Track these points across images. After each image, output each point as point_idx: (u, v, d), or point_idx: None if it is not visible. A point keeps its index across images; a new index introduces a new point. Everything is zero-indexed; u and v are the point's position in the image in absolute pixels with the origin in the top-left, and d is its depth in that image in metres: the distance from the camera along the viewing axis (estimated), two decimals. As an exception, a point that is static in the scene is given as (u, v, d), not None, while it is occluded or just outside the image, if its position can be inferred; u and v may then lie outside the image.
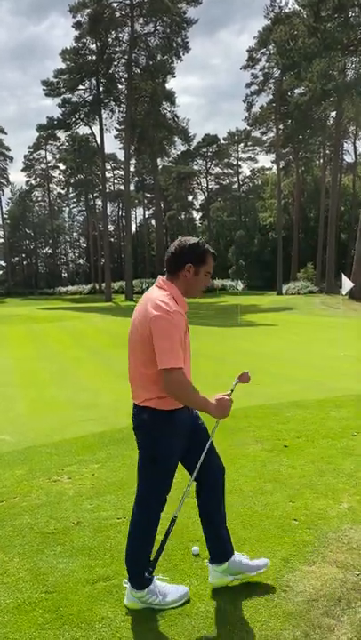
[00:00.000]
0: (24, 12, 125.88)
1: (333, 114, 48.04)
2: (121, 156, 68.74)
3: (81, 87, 52.71)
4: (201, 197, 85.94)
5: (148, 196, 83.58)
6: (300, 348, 14.64)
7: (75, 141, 60.54)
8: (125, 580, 2.87)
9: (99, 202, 75.56)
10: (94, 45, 50.49)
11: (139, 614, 2.70)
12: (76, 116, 54.86)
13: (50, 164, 77.85)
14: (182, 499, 2.88)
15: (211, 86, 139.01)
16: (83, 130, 62.62)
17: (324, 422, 5.95)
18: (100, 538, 3.52)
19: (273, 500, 3.94)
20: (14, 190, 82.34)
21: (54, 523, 3.76)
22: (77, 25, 49.00)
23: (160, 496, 2.85)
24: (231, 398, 2.78)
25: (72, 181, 75.24)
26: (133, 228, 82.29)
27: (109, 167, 79.54)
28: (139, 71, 50.66)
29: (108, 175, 76.25)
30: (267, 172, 79.14)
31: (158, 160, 64.60)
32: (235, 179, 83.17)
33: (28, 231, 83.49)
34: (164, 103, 52.26)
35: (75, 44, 50.30)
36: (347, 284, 12.83)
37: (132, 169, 64.81)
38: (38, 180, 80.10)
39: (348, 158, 64.68)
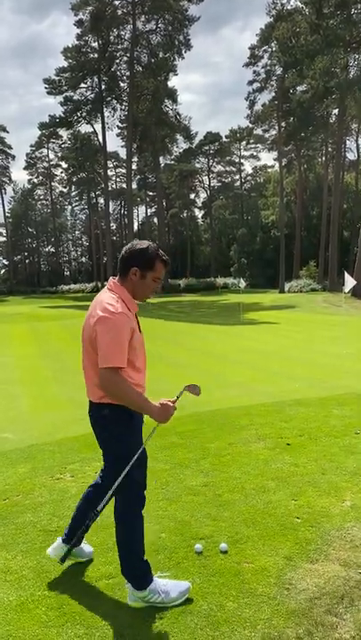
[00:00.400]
0: (26, 10, 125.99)
1: (336, 111, 47.93)
2: (123, 154, 68.68)
3: (83, 85, 52.78)
4: (203, 195, 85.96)
5: (151, 194, 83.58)
6: (303, 346, 14.62)
7: (77, 139, 60.58)
8: (126, 583, 2.87)
9: (101, 200, 75.64)
10: (96, 43, 50.53)
11: (141, 612, 2.70)
12: (78, 114, 54.91)
13: (52, 163, 77.99)
14: (107, 497, 2.86)
15: (213, 84, 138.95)
16: (85, 128, 62.91)
17: (327, 420, 5.94)
18: (103, 536, 3.52)
19: (276, 497, 3.94)
20: (16, 189, 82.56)
21: (57, 521, 3.76)
22: (79, 23, 49.05)
23: (139, 489, 2.87)
24: (175, 406, 2.76)
25: (74, 179, 75.34)
26: (135, 227, 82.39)
27: (111, 165, 79.55)
28: (140, 69, 50.63)
29: (110, 173, 76.23)
30: (269, 170, 79.08)
31: (160, 158, 64.59)
32: (237, 176, 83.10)
33: (30, 229, 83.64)
34: (165, 101, 52.28)
35: (76, 42, 50.41)
36: (349, 281, 12.81)
37: (134, 167, 64.83)
38: (40, 178, 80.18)
39: (351, 156, 64.82)
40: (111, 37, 50.02)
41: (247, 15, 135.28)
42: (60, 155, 74.51)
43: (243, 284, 29.41)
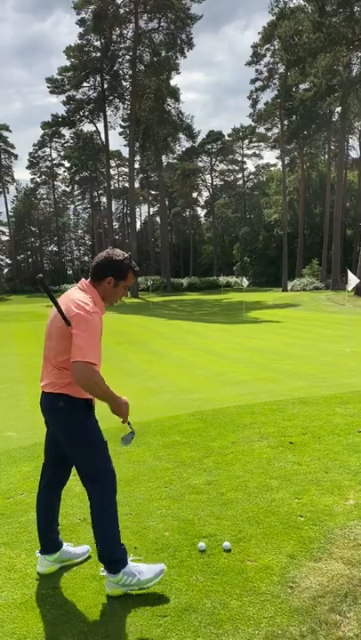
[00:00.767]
0: (29, 9, 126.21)
1: (339, 109, 47.81)
2: (125, 152, 68.77)
3: (85, 84, 52.80)
4: (206, 194, 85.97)
5: (153, 192, 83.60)
6: (306, 345, 14.61)
7: (79, 139, 60.62)
8: (102, 569, 2.95)
9: (103, 199, 75.73)
10: (98, 42, 50.54)
11: (145, 610, 2.71)
12: (81, 114, 54.98)
13: (55, 162, 78.03)
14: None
15: (216, 82, 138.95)
16: (87, 127, 62.84)
17: (331, 419, 5.94)
18: (107, 534, 3.53)
19: (279, 496, 3.94)
20: (19, 188, 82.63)
21: (60, 519, 3.73)
22: (81, 22, 49.06)
23: (108, 469, 2.95)
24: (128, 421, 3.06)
25: (77, 179, 75.43)
26: (138, 225, 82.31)
27: (114, 164, 79.57)
28: (143, 68, 50.59)
29: (112, 172, 76.28)
30: (272, 169, 79.05)
31: (163, 157, 64.55)
32: (240, 175, 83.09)
33: (33, 229, 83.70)
34: (168, 100, 52.21)
35: (79, 41, 50.39)
36: (352, 280, 12.79)
37: (136, 166, 64.76)
38: (43, 177, 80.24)
39: (354, 154, 64.73)
40: (113, 36, 50.02)
41: (249, 13, 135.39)
42: (62, 154, 74.68)
43: (245, 282, 29.41)
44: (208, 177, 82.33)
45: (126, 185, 74.00)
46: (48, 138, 72.61)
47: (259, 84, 54.28)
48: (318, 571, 2.96)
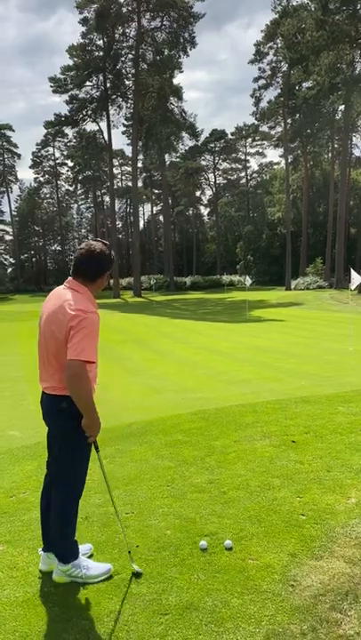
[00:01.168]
0: (32, 8, 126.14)
1: (342, 107, 47.69)
2: (129, 152, 68.83)
3: (88, 83, 52.74)
4: (209, 193, 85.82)
5: (156, 191, 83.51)
6: (309, 344, 14.60)
7: (82, 138, 60.55)
8: (53, 557, 3.07)
9: (107, 198, 75.59)
10: (101, 41, 50.46)
11: (146, 608, 2.72)
12: (84, 113, 54.91)
13: (58, 161, 77.93)
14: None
15: (218, 81, 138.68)
16: (90, 126, 62.91)
17: (333, 418, 5.93)
18: (108, 532, 3.55)
19: (280, 495, 3.94)
20: (23, 187, 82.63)
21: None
22: (84, 21, 48.99)
23: (84, 473, 3.12)
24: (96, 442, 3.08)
25: (80, 178, 75.34)
26: (141, 225, 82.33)
27: (117, 163, 79.58)
28: (146, 66, 50.54)
29: (115, 171, 76.33)
30: (275, 167, 78.80)
31: (166, 156, 64.52)
32: (243, 174, 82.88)
33: (36, 228, 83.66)
34: (171, 98, 52.15)
35: (81, 41, 50.32)
36: (356, 278, 12.76)
37: (139, 165, 64.82)
38: (46, 176, 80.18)
39: (357, 152, 64.69)
40: (116, 35, 49.96)
41: (252, 12, 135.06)
42: (65, 153, 74.61)
43: (248, 281, 29.35)
44: (211, 175, 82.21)
45: (129, 184, 74.02)
46: (51, 137, 72.60)
47: (262, 82, 54.19)
48: (319, 569, 2.97)
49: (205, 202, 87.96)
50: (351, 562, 3.02)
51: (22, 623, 2.65)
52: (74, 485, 3.07)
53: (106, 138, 55.36)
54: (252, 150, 79.65)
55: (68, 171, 78.01)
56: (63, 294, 2.93)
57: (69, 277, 3.03)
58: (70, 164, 74.61)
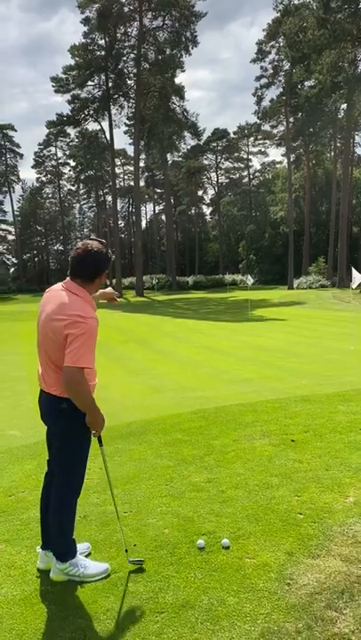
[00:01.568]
0: (34, 8, 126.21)
1: (344, 106, 47.62)
2: (131, 151, 68.79)
3: (90, 83, 52.79)
4: (211, 192, 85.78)
5: (158, 191, 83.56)
6: (310, 343, 14.59)
7: (84, 137, 60.59)
8: (51, 555, 3.08)
9: (109, 198, 75.80)
10: (103, 41, 50.48)
11: (143, 606, 2.73)
12: (86, 112, 54.95)
13: (60, 161, 78.07)
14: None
15: (221, 80, 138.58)
16: (92, 126, 62.78)
17: (333, 416, 5.93)
18: (106, 531, 3.55)
19: (279, 494, 3.95)
20: (25, 187, 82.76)
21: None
22: (86, 20, 49.04)
23: (83, 472, 3.15)
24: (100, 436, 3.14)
25: (82, 178, 75.45)
26: (143, 224, 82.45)
27: (119, 163, 79.61)
28: (148, 66, 50.54)
29: (117, 171, 76.36)
30: (277, 166, 78.75)
31: (168, 155, 64.51)
32: (245, 173, 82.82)
33: (39, 228, 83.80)
34: (173, 98, 52.12)
35: (83, 40, 50.39)
36: (357, 277, 12.76)
37: (141, 164, 64.84)
38: (49, 176, 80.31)
39: (360, 151, 64.33)
40: (118, 35, 49.98)
41: (255, 10, 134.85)
42: (67, 153, 74.67)
43: (250, 280, 29.35)
44: (213, 175, 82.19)
45: (131, 183, 73.96)
46: (53, 137, 72.65)
47: (264, 81, 54.19)
48: (316, 568, 2.97)
49: (208, 201, 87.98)
50: (348, 560, 3.02)
51: (19, 621, 2.66)
52: (73, 484, 3.08)
53: (108, 137, 55.46)
54: (255, 149, 79.65)
55: (70, 170, 78.15)
56: (61, 297, 2.89)
57: (67, 278, 3.00)
58: (72, 163, 74.73)
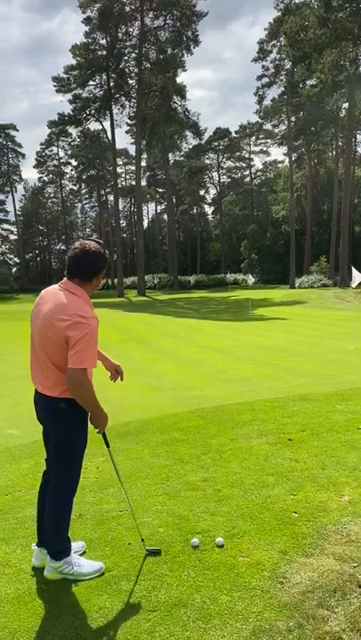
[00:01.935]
0: (36, 8, 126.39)
1: (346, 105, 47.51)
2: (132, 151, 68.73)
3: (91, 83, 52.84)
4: (213, 191, 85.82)
5: (160, 190, 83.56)
6: (311, 342, 14.58)
7: (86, 137, 60.67)
8: (45, 553, 3.09)
9: (111, 197, 75.84)
10: (104, 40, 50.50)
11: (135, 604, 2.73)
12: (87, 112, 54.99)
13: (62, 161, 78.14)
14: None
15: (223, 80, 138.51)
16: (94, 125, 62.79)
17: (331, 416, 5.93)
18: (102, 530, 3.56)
19: (274, 492, 3.95)
20: (27, 187, 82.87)
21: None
22: (87, 20, 49.06)
23: (79, 470, 3.14)
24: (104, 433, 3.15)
25: (84, 177, 75.56)
26: (145, 224, 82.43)
27: (121, 162, 79.62)
28: (149, 65, 50.54)
29: (119, 170, 76.37)
30: (279, 165, 78.71)
31: (170, 155, 64.52)
32: (247, 172, 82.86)
33: (41, 228, 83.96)
34: (174, 97, 52.11)
35: (85, 40, 50.42)
36: (357, 276, 12.75)
37: (143, 164, 64.80)
38: (50, 176, 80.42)
39: (362, 150, 63.90)
40: (119, 34, 49.99)
41: (256, 10, 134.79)
42: (69, 152, 74.76)
43: (251, 279, 29.35)
44: (215, 174, 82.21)
45: (133, 183, 74.00)
46: (55, 137, 72.69)
47: (265, 80, 54.14)
48: (309, 566, 2.97)
49: (209, 200, 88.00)
50: (341, 559, 3.03)
51: (12, 619, 2.67)
52: (68, 483, 3.09)
53: (109, 137, 55.52)
54: (256, 149, 79.64)
55: (72, 170, 78.28)
56: (59, 297, 2.88)
57: (64, 278, 3.00)
58: (74, 163, 74.88)
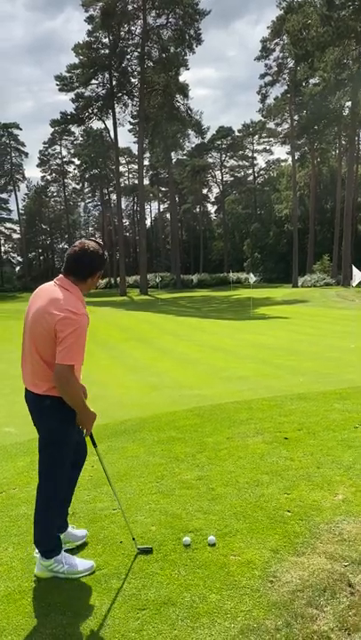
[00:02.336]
0: (39, 7, 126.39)
1: (349, 103, 47.34)
2: (135, 149, 68.67)
3: (94, 81, 52.80)
4: (216, 190, 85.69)
5: (163, 189, 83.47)
6: (312, 341, 14.55)
7: (89, 136, 60.74)
8: (36, 552, 3.08)
9: (113, 196, 75.73)
10: (107, 39, 50.45)
11: (125, 602, 2.73)
12: (90, 111, 54.96)
13: (65, 160, 78.18)
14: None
15: (227, 78, 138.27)
16: (96, 124, 62.80)
17: (327, 414, 5.91)
18: (94, 528, 3.56)
19: (268, 491, 3.94)
20: (30, 186, 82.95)
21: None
22: (90, 19, 49.03)
23: (66, 470, 3.10)
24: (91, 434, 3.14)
25: (87, 176, 75.58)
26: (148, 222, 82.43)
27: (124, 161, 79.59)
28: (151, 64, 50.48)
29: (122, 169, 76.35)
30: (282, 164, 78.40)
31: (172, 153, 64.45)
32: (250, 171, 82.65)
33: (44, 226, 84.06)
34: (177, 96, 52.03)
35: (87, 39, 50.35)
36: (357, 275, 12.71)
37: (146, 163, 64.76)
38: (54, 175, 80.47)
39: (365, 148, 63.67)
40: (122, 33, 49.92)
41: (260, 8, 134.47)
42: (72, 151, 74.81)
43: (253, 278, 29.31)
44: (218, 173, 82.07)
45: (136, 182, 73.94)
46: (58, 136, 72.76)
47: (268, 78, 53.95)
48: (300, 565, 2.96)
49: (212, 199, 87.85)
50: (332, 558, 3.02)
51: (1, 617, 2.67)
52: (56, 482, 3.07)
53: (112, 136, 55.43)
54: (259, 147, 79.43)
55: (74, 169, 78.34)
56: (52, 292, 2.89)
57: (60, 275, 3.01)
58: (77, 162, 74.92)
